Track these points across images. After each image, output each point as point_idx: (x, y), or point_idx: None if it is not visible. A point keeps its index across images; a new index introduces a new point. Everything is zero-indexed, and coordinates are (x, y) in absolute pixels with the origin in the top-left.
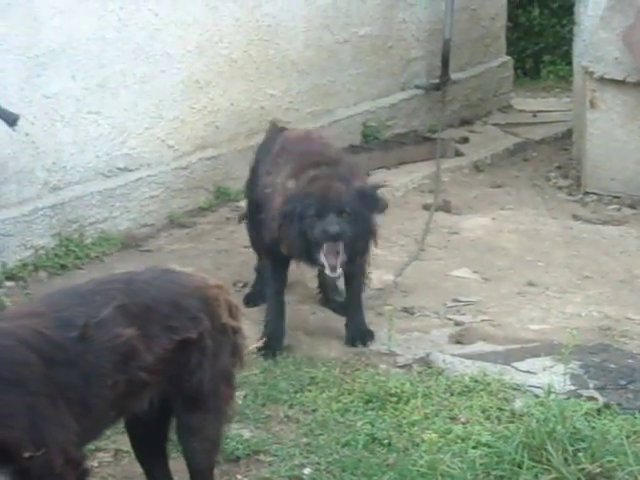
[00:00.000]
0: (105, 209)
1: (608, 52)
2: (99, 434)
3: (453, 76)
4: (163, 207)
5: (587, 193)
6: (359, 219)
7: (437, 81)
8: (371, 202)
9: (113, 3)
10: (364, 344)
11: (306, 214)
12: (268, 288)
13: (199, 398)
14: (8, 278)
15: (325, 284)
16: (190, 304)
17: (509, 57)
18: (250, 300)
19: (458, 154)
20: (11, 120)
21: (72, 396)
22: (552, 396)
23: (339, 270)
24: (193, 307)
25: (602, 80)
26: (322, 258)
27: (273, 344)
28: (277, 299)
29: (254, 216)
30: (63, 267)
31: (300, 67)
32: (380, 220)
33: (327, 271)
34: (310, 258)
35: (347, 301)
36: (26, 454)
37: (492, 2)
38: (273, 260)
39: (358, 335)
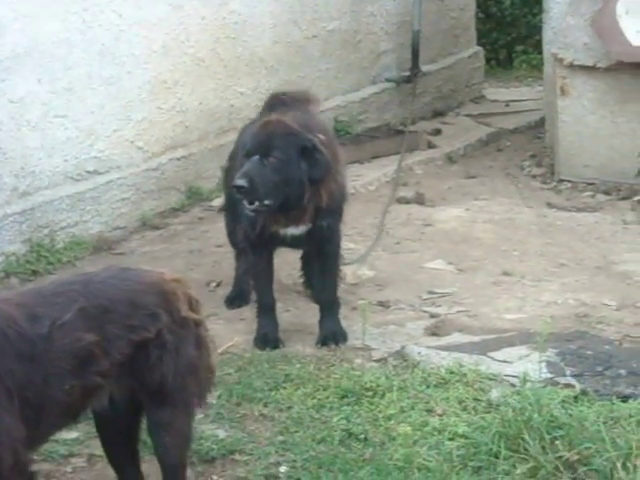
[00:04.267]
0: (76, 213)
1: (577, 38)
2: (46, 440)
3: (424, 68)
4: (134, 209)
5: (561, 181)
6: (289, 167)
7: (408, 74)
8: (311, 157)
9: (76, 5)
10: (337, 344)
11: (241, 153)
12: (256, 285)
13: (165, 393)
14: None
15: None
16: (147, 300)
17: (480, 47)
18: (233, 302)
19: (431, 146)
20: None
21: (29, 396)
22: (528, 385)
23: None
24: (151, 303)
25: (572, 66)
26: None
27: (271, 344)
28: (266, 296)
29: (233, 207)
30: (35, 273)
31: (269, 64)
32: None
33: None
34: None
35: (320, 295)
36: None
37: None
38: (255, 250)
39: (331, 335)
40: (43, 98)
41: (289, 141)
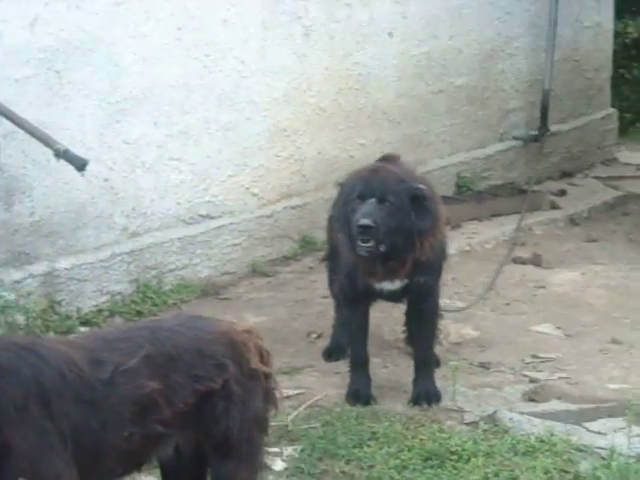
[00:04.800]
0: (185, 256)
1: None
2: None
3: (554, 127)
4: (245, 255)
5: None
6: (403, 213)
7: (536, 133)
8: (421, 205)
9: (198, 50)
10: (429, 404)
11: (350, 198)
12: (350, 339)
13: (229, 445)
14: (82, 323)
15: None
16: (215, 350)
17: (614, 109)
18: (331, 354)
19: (554, 207)
20: (80, 164)
21: (85, 441)
22: (618, 459)
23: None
24: (218, 353)
25: None
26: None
27: (362, 400)
28: (360, 351)
29: (334, 257)
30: (139, 313)
31: (392, 116)
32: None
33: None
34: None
35: (416, 353)
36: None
37: (597, 54)
38: (351, 304)
39: (424, 394)
40: (158, 141)
41: (401, 187)
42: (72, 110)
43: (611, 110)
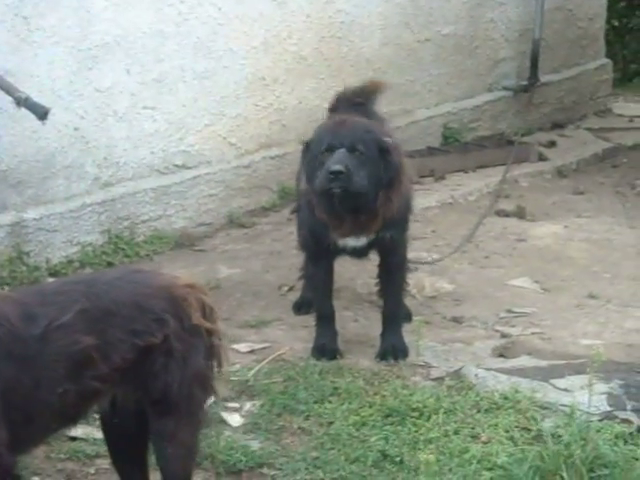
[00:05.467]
0: (159, 207)
1: None
2: (40, 443)
3: (546, 78)
4: (222, 206)
5: None
6: (372, 164)
7: (526, 83)
8: (388, 157)
9: None
10: (395, 359)
11: (319, 151)
12: (314, 293)
13: (169, 402)
14: (51, 274)
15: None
16: (154, 305)
17: (608, 60)
18: (300, 307)
19: (542, 159)
20: (41, 113)
21: (15, 398)
22: (580, 417)
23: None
24: (157, 308)
25: None
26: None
27: (328, 355)
28: (325, 306)
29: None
30: (110, 264)
31: (376, 65)
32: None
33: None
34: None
35: (384, 308)
36: None
37: (590, 2)
38: (314, 258)
39: (390, 349)
40: (131, 89)
41: (370, 138)
42: (41, 57)
43: (605, 60)
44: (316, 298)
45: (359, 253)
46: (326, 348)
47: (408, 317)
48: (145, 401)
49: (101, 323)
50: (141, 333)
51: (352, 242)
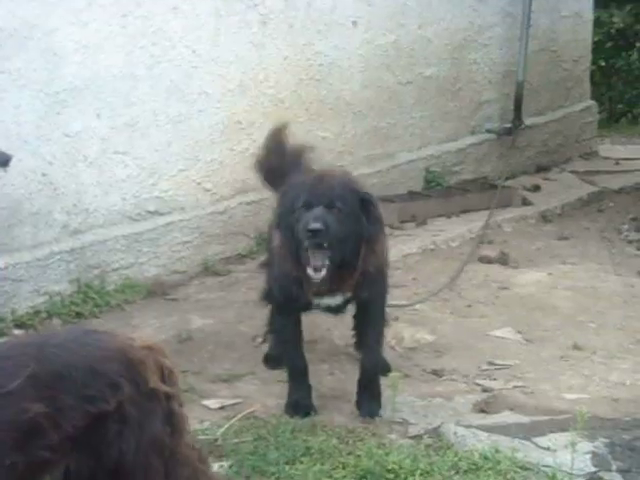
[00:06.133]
0: (131, 254)
1: None
2: None
3: (531, 120)
4: (196, 253)
5: None
6: (352, 219)
7: (510, 125)
8: (369, 210)
9: (145, 39)
10: (371, 416)
11: (294, 207)
12: (284, 347)
13: (124, 472)
14: (17, 326)
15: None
16: (109, 368)
17: (593, 101)
18: (269, 361)
19: (526, 203)
20: (2, 160)
21: None
22: (562, 479)
23: (323, 272)
24: (112, 371)
25: None
26: (307, 257)
27: (301, 411)
28: (296, 361)
29: (272, 265)
30: (79, 315)
31: (356, 109)
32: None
33: (309, 271)
34: (298, 260)
35: (361, 360)
36: None
37: (575, 44)
38: (283, 314)
39: (366, 406)
40: (102, 133)
41: (349, 192)
42: (6, 101)
43: (590, 102)
44: (286, 352)
45: (334, 310)
46: (299, 404)
47: (387, 369)
48: (99, 471)
49: (51, 389)
50: (94, 399)
51: (327, 300)
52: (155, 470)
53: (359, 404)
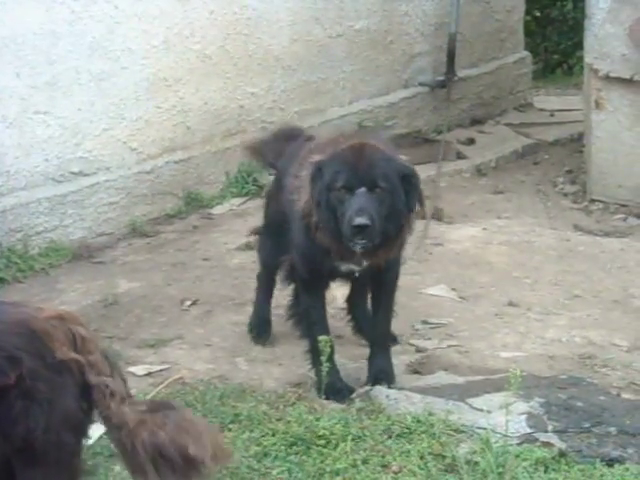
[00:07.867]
0: (55, 217)
1: (615, 48)
2: None
3: (464, 72)
4: (123, 215)
5: (593, 201)
6: (394, 197)
7: (443, 78)
8: (411, 184)
9: None
10: (388, 385)
11: (334, 185)
12: (310, 330)
13: (34, 451)
14: None
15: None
16: (7, 341)
17: (527, 53)
18: (260, 333)
19: (460, 157)
20: None
21: None
22: (497, 441)
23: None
24: (10, 344)
25: (608, 78)
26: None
27: (346, 395)
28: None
29: (272, 234)
30: (2, 280)
31: (285, 63)
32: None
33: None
34: (338, 239)
35: (372, 331)
36: None
37: None
38: (310, 285)
39: (383, 374)
40: (22, 93)
41: (391, 168)
42: None
43: (525, 53)
44: (313, 334)
45: (353, 277)
46: (340, 388)
47: (395, 341)
48: (8, 450)
49: None
50: None
51: (352, 266)
52: (70, 448)
53: (374, 373)
